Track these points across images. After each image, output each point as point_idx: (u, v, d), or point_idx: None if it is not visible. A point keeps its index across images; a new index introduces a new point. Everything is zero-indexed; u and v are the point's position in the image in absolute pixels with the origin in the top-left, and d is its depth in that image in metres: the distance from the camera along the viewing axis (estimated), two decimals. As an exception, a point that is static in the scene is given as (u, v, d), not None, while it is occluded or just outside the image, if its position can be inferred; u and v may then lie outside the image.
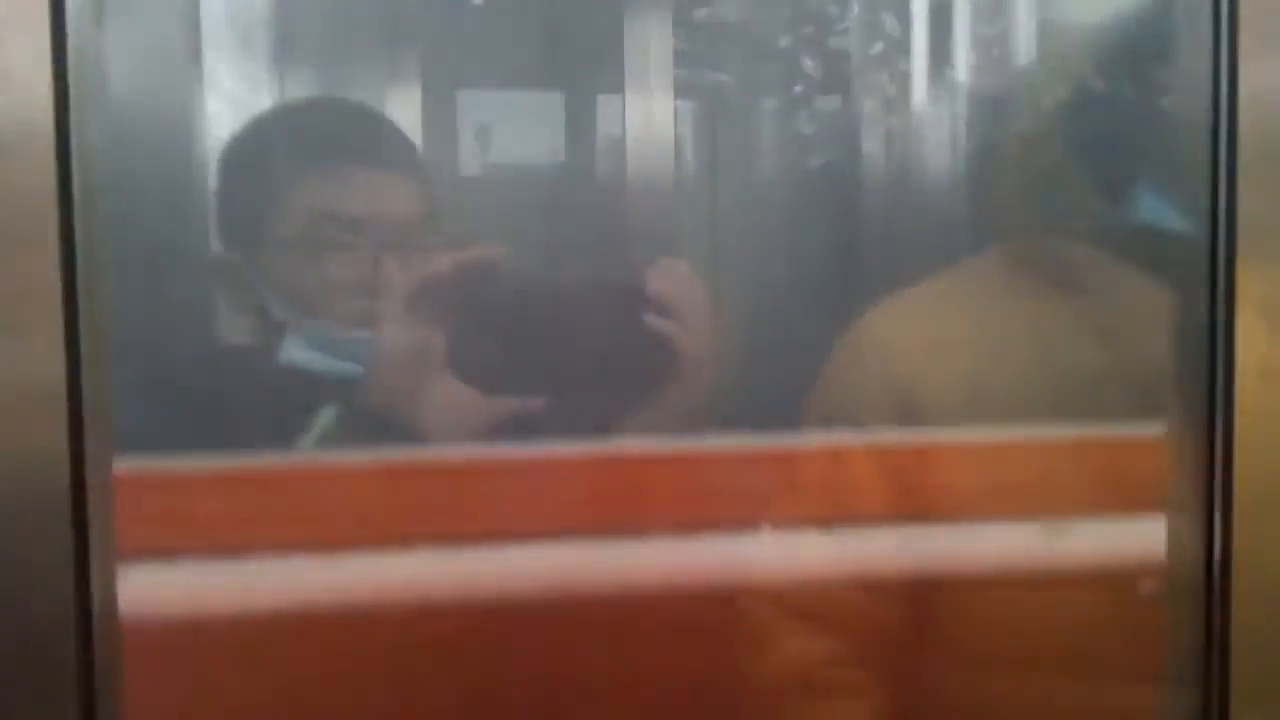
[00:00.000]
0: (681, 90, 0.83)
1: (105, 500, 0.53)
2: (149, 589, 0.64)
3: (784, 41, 0.90)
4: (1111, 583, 0.76)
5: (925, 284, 0.87)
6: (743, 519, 0.82)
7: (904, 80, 0.92)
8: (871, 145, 0.91)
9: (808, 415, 0.86)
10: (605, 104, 0.88)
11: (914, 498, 0.83)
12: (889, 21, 0.89)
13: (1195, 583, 0.61)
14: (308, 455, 0.82)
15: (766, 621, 0.84)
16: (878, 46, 0.89)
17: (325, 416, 0.82)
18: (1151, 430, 0.68)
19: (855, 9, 0.90)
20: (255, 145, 0.85)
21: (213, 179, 0.85)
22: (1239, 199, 0.58)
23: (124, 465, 0.55)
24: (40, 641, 0.52)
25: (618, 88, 0.87)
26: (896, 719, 0.83)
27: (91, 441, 0.51)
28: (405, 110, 0.88)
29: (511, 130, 0.90)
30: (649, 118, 0.88)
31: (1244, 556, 0.59)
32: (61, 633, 0.53)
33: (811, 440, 0.87)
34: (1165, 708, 0.63)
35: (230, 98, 0.87)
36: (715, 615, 0.82)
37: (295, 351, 0.82)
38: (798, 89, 0.89)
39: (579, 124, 0.89)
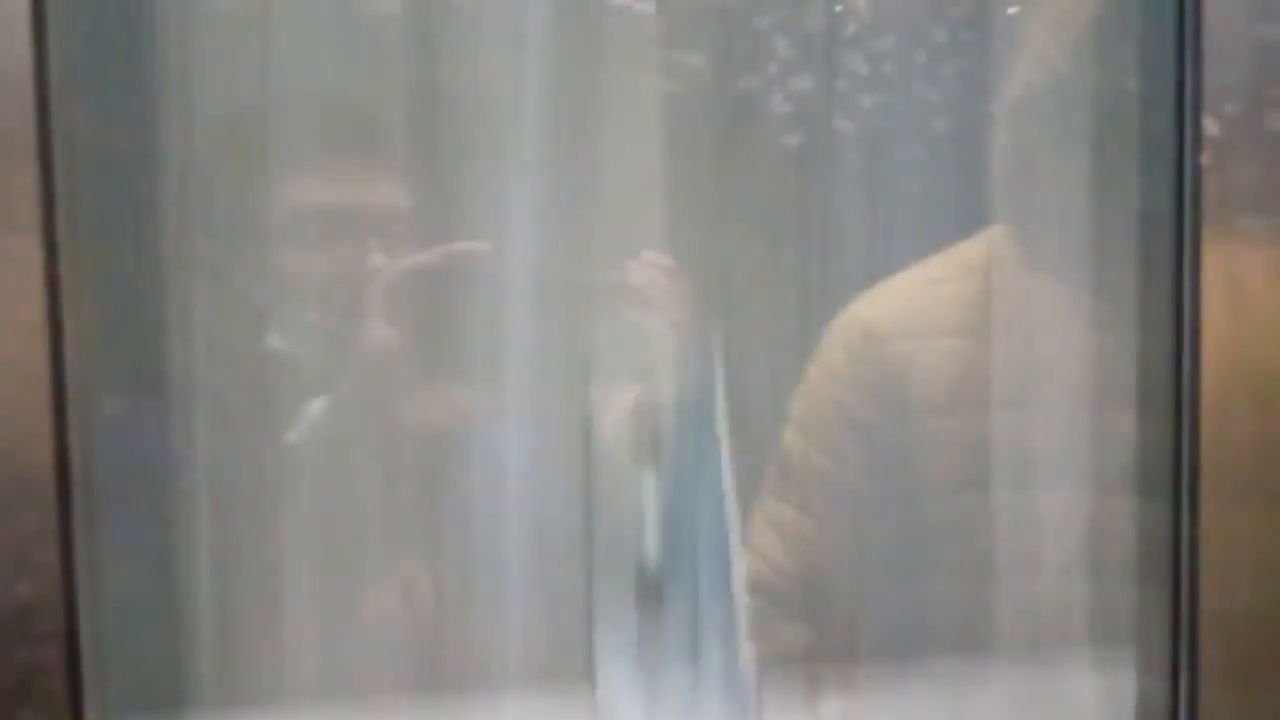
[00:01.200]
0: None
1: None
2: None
3: (761, 22, 0.90)
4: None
5: (915, 268, 0.87)
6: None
7: (880, 62, 0.93)
8: (854, 127, 0.92)
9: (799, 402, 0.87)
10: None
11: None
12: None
13: (1164, 561, 0.62)
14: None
15: None
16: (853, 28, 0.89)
17: (313, 409, 0.83)
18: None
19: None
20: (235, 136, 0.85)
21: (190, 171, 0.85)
22: (1204, 178, 0.59)
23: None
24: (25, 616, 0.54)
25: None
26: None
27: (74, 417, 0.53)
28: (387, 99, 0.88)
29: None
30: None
31: (1211, 534, 0.60)
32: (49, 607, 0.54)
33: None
34: (1136, 688, 0.64)
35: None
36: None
37: (278, 343, 0.84)
38: (773, 69, 0.89)
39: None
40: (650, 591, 0.87)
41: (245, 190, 0.82)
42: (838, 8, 0.89)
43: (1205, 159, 0.60)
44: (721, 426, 0.86)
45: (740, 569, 0.86)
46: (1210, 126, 0.60)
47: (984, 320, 0.84)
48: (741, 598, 0.86)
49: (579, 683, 0.86)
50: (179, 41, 0.80)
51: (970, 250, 0.85)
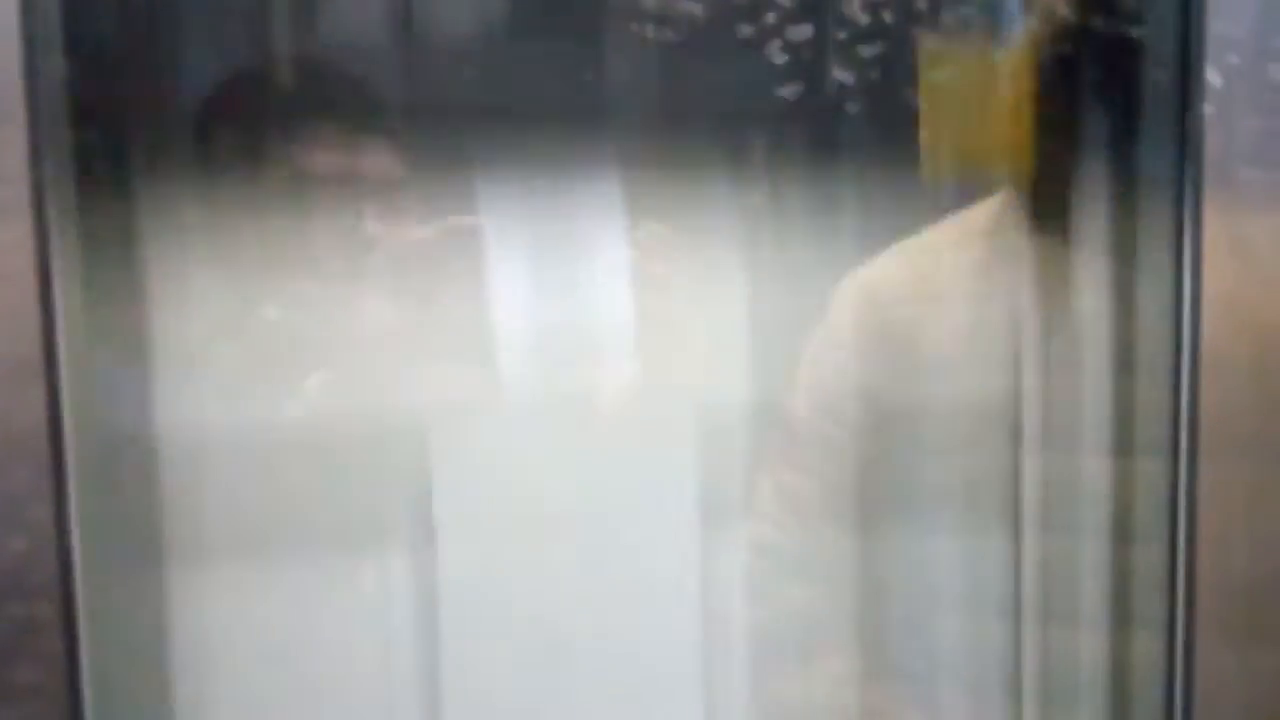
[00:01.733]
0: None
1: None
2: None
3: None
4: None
5: (919, 235, 0.87)
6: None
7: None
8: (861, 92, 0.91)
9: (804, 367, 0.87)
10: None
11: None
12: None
13: (1160, 523, 0.62)
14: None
15: None
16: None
17: (313, 381, 0.83)
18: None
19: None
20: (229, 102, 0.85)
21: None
22: (1206, 130, 0.58)
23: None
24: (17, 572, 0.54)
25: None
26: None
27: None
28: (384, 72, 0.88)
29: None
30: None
31: (1208, 495, 0.59)
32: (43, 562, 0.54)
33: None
34: (1133, 647, 0.64)
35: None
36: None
37: (275, 314, 0.83)
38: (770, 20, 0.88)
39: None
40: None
41: (238, 156, 0.81)
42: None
43: (1208, 110, 0.59)
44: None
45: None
46: (1213, 77, 0.59)
47: (987, 284, 0.83)
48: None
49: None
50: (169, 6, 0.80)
51: (974, 215, 0.85)
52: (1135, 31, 0.65)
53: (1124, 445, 0.72)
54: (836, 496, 0.86)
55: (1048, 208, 0.81)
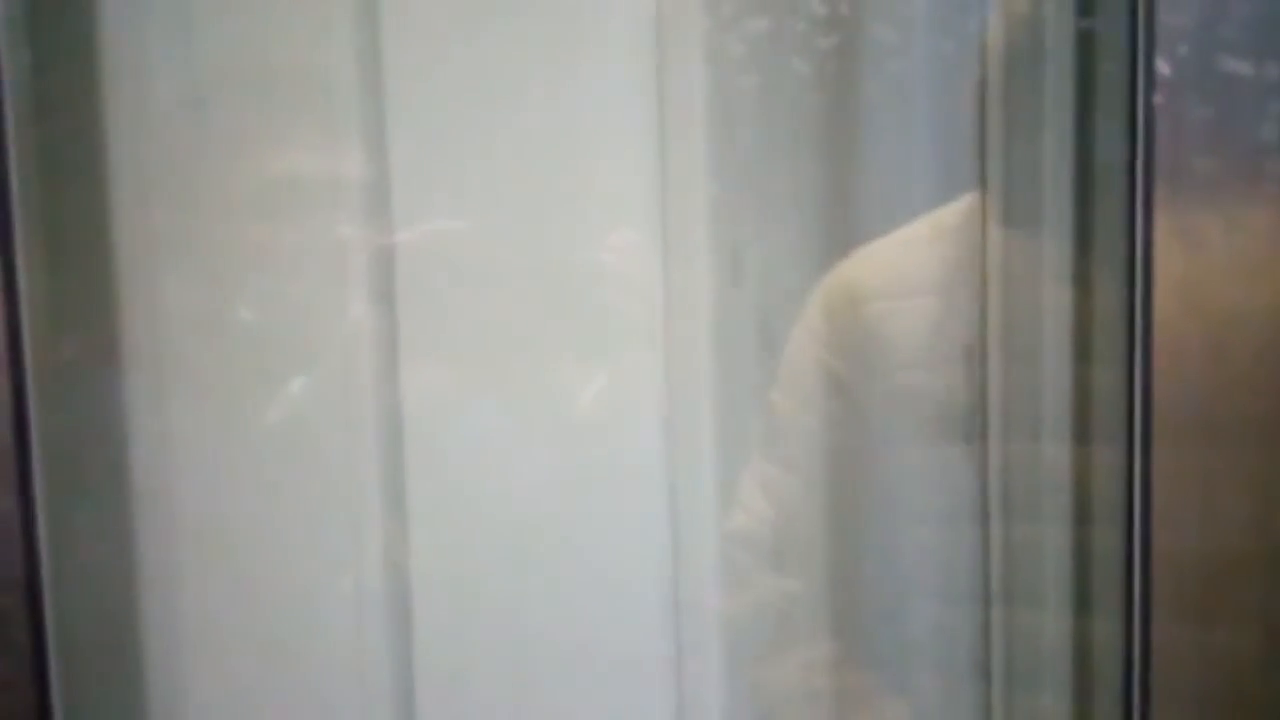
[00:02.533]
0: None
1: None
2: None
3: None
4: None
5: (895, 232, 0.89)
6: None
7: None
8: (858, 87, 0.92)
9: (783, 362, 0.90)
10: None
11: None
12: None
13: (1116, 508, 0.63)
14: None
15: None
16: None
17: (294, 386, 0.84)
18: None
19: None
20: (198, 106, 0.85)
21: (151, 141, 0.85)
22: (1156, 120, 0.59)
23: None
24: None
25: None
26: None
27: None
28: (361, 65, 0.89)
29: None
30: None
31: (1163, 479, 0.60)
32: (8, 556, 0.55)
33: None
34: (1090, 630, 0.65)
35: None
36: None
37: (254, 317, 0.84)
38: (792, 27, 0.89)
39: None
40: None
41: (209, 160, 0.82)
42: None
43: (1158, 100, 0.60)
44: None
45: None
46: (1162, 67, 0.60)
47: (958, 279, 0.85)
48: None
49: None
50: (135, 8, 0.80)
51: (948, 213, 0.87)
52: (1086, 23, 0.66)
53: (1084, 433, 0.74)
54: (814, 488, 0.89)
55: (1014, 202, 0.82)
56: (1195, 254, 0.60)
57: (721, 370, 0.90)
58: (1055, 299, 0.79)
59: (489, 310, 0.87)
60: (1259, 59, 0.60)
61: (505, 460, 0.88)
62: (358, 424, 0.85)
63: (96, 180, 0.78)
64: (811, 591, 0.89)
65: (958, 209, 0.87)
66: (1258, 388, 0.60)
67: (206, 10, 0.84)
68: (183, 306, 0.83)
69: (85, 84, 0.78)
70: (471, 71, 0.86)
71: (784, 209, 0.89)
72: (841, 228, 0.90)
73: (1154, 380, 0.60)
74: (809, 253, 0.90)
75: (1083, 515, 0.71)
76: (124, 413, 0.79)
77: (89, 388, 0.76)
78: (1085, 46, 0.69)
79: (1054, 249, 0.79)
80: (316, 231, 0.85)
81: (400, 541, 0.86)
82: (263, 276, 0.85)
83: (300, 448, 0.85)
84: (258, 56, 0.85)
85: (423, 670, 0.86)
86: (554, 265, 0.87)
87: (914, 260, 0.88)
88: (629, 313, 0.88)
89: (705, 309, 0.90)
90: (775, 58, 0.88)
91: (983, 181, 0.83)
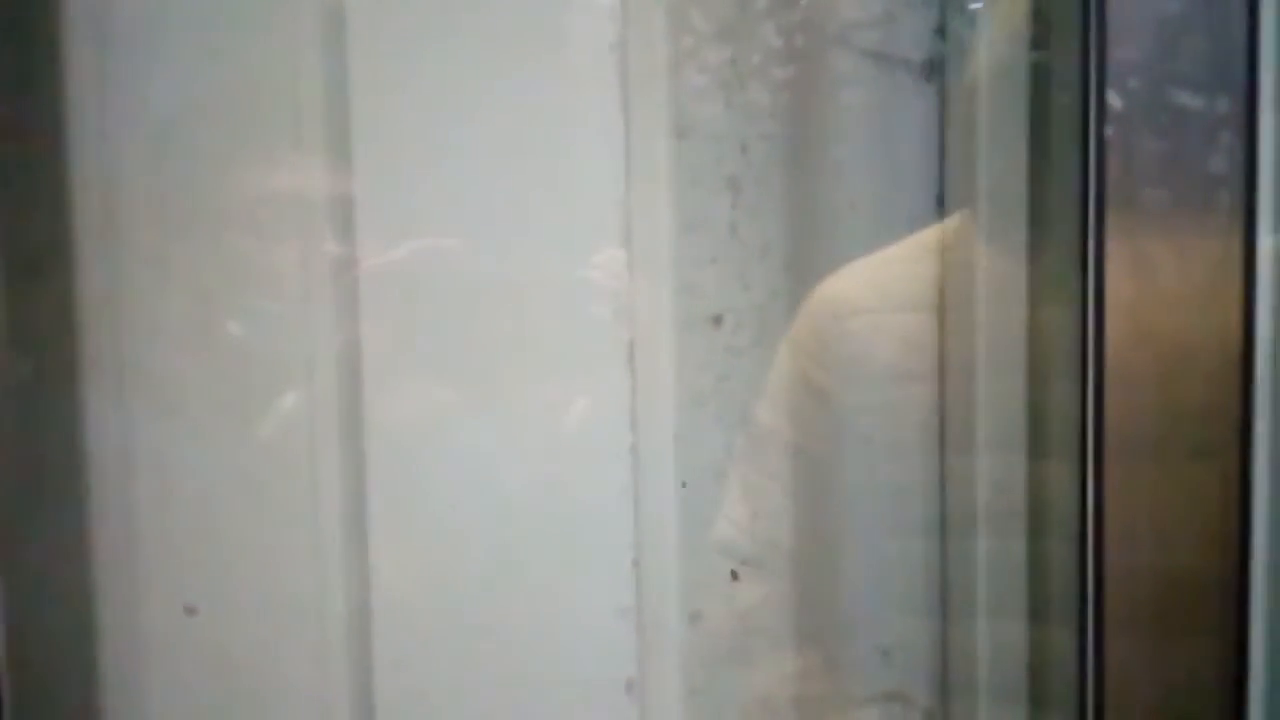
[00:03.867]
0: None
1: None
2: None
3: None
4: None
5: (879, 251, 0.92)
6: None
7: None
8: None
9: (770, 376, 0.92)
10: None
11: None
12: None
13: (1069, 524, 0.64)
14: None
15: None
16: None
17: (285, 401, 0.84)
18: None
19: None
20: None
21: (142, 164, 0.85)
22: (1107, 152, 0.61)
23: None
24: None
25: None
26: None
27: None
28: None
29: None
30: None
31: (1113, 498, 0.62)
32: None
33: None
34: (1046, 640, 0.66)
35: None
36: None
37: (217, 336, 0.84)
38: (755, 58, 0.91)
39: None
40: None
41: (194, 179, 0.83)
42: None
43: (1109, 133, 0.62)
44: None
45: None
46: (1114, 101, 0.62)
47: (938, 296, 0.89)
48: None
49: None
50: (126, 27, 0.80)
51: (931, 233, 0.90)
52: (1039, 56, 0.68)
53: (1044, 449, 0.76)
54: (796, 498, 0.91)
55: (993, 226, 0.85)
56: (1146, 282, 0.62)
57: (688, 391, 0.91)
58: (1024, 319, 0.81)
59: (454, 328, 0.87)
60: (1208, 92, 0.63)
61: (469, 480, 0.88)
62: (321, 441, 0.85)
63: (60, 200, 0.77)
64: (792, 599, 0.91)
65: (944, 228, 0.90)
66: (1207, 413, 0.62)
67: (173, 27, 0.84)
68: (145, 323, 0.83)
69: (49, 104, 0.77)
70: (437, 89, 0.86)
71: (750, 230, 0.91)
72: (806, 250, 0.91)
73: (1105, 403, 0.62)
74: (773, 272, 0.91)
75: (1045, 529, 0.72)
76: (83, 431, 0.78)
77: (47, 406, 0.76)
78: (1040, 79, 0.71)
79: (1023, 273, 0.81)
80: (281, 249, 0.84)
81: (361, 560, 0.86)
82: (228, 294, 0.85)
83: (263, 466, 0.84)
84: (223, 74, 0.85)
85: (382, 688, 0.86)
86: (519, 284, 0.88)
87: (898, 277, 0.90)
88: (596, 332, 0.89)
89: (672, 329, 0.91)
90: (739, 79, 0.89)
91: (972, 203, 0.85)
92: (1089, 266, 0.62)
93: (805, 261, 0.92)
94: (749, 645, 0.92)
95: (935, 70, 0.88)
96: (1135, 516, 0.62)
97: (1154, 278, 0.62)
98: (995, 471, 0.83)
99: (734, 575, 0.92)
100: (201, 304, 0.83)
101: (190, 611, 0.84)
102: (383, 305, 0.85)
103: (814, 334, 0.91)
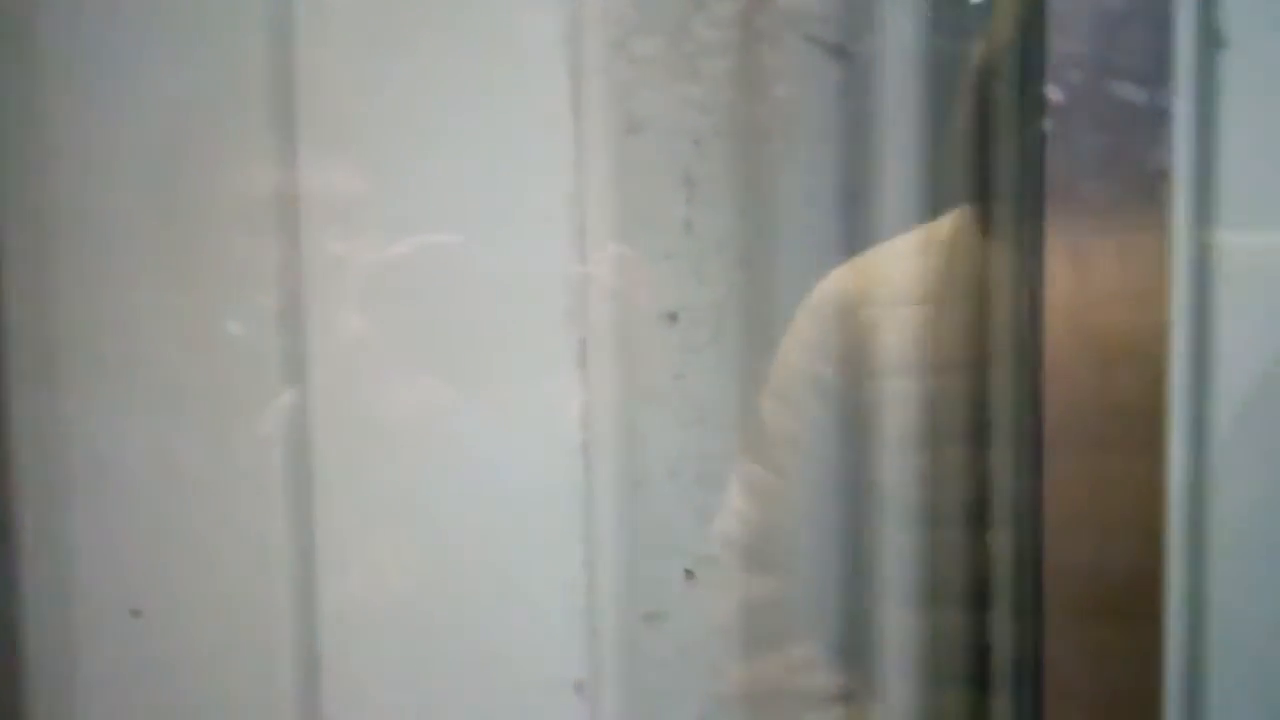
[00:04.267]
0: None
1: None
2: None
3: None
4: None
5: (884, 244, 0.91)
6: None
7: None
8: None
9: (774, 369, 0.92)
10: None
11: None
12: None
13: (1011, 515, 0.64)
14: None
15: None
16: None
17: (283, 398, 0.83)
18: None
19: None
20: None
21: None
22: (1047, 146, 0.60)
23: None
24: None
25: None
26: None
27: None
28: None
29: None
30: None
31: (1054, 489, 0.61)
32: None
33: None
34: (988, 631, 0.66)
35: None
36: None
37: (240, 330, 0.83)
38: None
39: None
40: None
41: (200, 175, 0.82)
42: None
43: (1048, 126, 0.61)
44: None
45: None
46: (1055, 94, 0.61)
47: (941, 289, 0.88)
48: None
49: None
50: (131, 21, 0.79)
51: (938, 227, 0.89)
52: (979, 49, 0.67)
53: (988, 443, 0.75)
54: (799, 490, 0.92)
55: (985, 220, 0.84)
56: (1086, 278, 0.62)
57: (642, 389, 0.90)
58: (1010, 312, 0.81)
59: (400, 326, 0.86)
60: (1148, 86, 0.62)
61: (418, 479, 0.87)
62: (268, 442, 0.84)
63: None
64: (795, 593, 0.92)
65: (949, 221, 0.89)
66: (1144, 405, 0.62)
67: (117, 27, 0.83)
68: (72, 334, 0.82)
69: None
70: (383, 83, 0.85)
71: (705, 226, 0.91)
72: (762, 246, 0.91)
73: (1044, 395, 0.61)
74: (729, 269, 0.91)
75: (987, 522, 0.72)
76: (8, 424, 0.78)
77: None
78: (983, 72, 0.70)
79: (993, 265, 0.81)
80: (226, 251, 0.84)
81: (307, 562, 0.86)
82: (167, 298, 0.84)
83: (204, 476, 0.84)
84: (169, 75, 0.84)
85: (330, 691, 0.85)
86: (467, 282, 0.87)
87: (903, 271, 0.90)
88: (547, 330, 0.89)
89: (625, 327, 0.90)
90: (693, 72, 0.89)
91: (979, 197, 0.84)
92: (1027, 262, 0.62)
93: (762, 257, 0.91)
94: (706, 646, 0.92)
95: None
96: (1072, 507, 0.62)
97: (1093, 274, 0.62)
98: (939, 466, 0.83)
99: (689, 575, 0.91)
100: (135, 312, 0.82)
101: (136, 614, 0.83)
102: (330, 303, 0.84)
103: (820, 327, 0.92)
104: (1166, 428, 0.62)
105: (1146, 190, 0.62)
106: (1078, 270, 0.61)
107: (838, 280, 0.91)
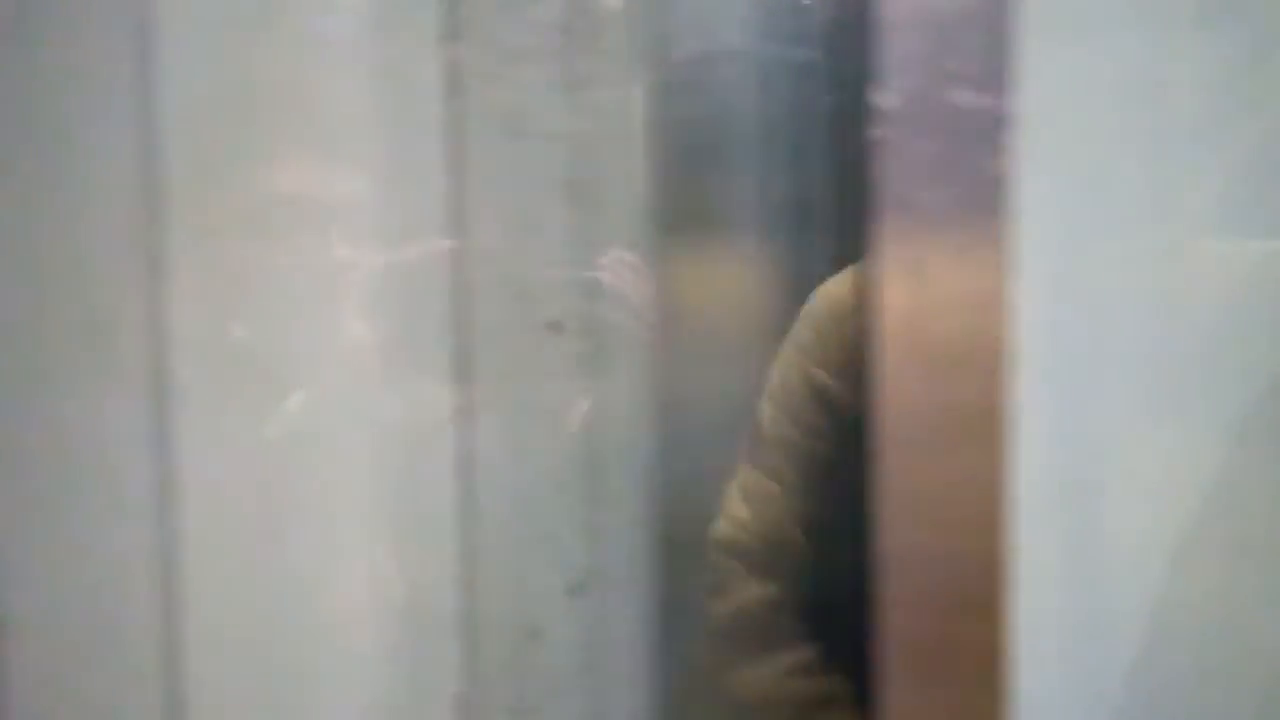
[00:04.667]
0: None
1: None
2: None
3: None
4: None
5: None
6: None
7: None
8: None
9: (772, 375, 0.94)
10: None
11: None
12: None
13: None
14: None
15: None
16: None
17: (292, 402, 0.82)
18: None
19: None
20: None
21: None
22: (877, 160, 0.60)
23: None
24: None
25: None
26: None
27: None
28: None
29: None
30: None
31: (889, 496, 0.61)
32: None
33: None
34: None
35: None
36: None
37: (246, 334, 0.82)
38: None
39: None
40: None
41: (202, 180, 0.81)
42: None
43: (881, 133, 0.61)
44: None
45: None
46: (889, 101, 0.61)
47: None
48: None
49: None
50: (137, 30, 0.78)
51: None
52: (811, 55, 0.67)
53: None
54: (795, 495, 0.93)
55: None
56: (920, 282, 0.61)
57: (525, 400, 0.90)
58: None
59: (269, 331, 0.85)
60: (981, 92, 0.62)
61: (288, 493, 0.86)
62: (128, 446, 0.83)
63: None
64: (793, 597, 0.93)
65: None
66: (982, 410, 0.62)
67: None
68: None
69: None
70: (249, 78, 0.84)
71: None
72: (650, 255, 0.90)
73: (880, 403, 0.61)
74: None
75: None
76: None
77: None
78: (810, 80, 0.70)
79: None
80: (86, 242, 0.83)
81: (172, 569, 0.85)
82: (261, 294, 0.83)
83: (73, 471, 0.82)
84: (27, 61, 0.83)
85: (195, 707, 0.84)
86: (341, 287, 0.86)
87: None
88: (423, 336, 0.88)
89: (509, 336, 0.89)
90: (578, 78, 0.88)
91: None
92: (863, 269, 0.61)
93: (649, 267, 0.91)
94: (588, 661, 0.91)
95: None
96: (907, 511, 0.61)
97: (927, 281, 0.61)
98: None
99: (573, 590, 0.91)
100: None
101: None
102: (194, 304, 0.83)
103: (818, 334, 0.93)
104: (1004, 432, 0.61)
105: (983, 196, 0.62)
106: (913, 277, 0.61)
107: (835, 286, 0.92)
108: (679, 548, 0.93)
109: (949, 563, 0.60)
